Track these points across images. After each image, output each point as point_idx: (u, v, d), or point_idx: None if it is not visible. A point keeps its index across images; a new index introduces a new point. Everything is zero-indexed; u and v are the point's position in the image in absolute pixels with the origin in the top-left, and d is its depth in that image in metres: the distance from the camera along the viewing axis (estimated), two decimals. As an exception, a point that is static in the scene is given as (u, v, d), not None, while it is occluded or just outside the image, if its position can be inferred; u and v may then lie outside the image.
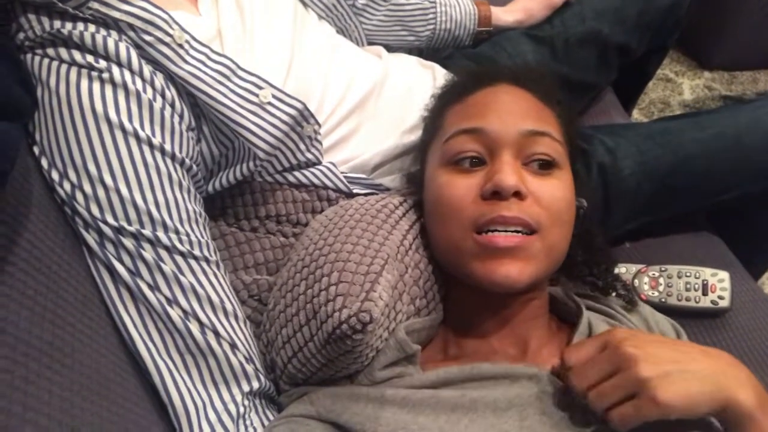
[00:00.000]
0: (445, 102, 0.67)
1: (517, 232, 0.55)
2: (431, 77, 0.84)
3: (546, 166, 0.58)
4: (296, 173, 0.69)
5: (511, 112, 0.59)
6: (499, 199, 0.55)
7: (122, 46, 0.57)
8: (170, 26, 0.60)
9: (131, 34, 0.58)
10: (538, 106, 0.62)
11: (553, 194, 0.57)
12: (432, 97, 0.72)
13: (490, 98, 0.62)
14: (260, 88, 0.63)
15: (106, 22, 0.58)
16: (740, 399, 0.44)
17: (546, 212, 0.56)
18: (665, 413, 0.44)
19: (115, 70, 0.57)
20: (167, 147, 0.58)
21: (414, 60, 0.89)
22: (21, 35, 0.57)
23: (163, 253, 0.57)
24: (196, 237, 0.59)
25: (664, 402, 0.43)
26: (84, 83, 0.56)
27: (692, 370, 0.46)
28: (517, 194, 0.55)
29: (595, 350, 0.50)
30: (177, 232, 0.58)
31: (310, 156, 0.69)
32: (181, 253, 0.58)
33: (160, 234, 0.57)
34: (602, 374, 0.47)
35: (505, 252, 0.54)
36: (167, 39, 0.59)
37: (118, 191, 0.55)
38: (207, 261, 0.60)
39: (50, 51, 0.57)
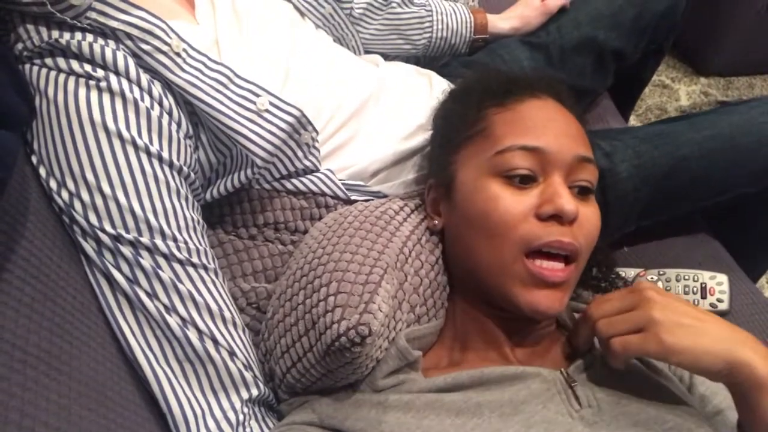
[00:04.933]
0: (482, 100, 0.64)
1: (561, 257, 0.56)
2: (428, 85, 0.85)
3: (586, 191, 0.60)
4: (294, 180, 0.69)
5: (567, 134, 0.60)
6: (558, 222, 0.56)
7: (120, 55, 0.58)
8: (168, 35, 0.60)
9: (129, 43, 0.59)
10: (582, 130, 0.63)
11: (591, 222, 0.59)
12: (459, 90, 0.71)
13: (543, 114, 0.61)
14: (257, 95, 0.64)
15: (104, 32, 0.58)
16: (756, 365, 0.44)
17: (585, 240, 0.57)
18: (665, 356, 0.45)
19: (113, 78, 0.57)
20: (165, 155, 0.58)
21: (411, 68, 0.89)
22: (19, 45, 0.58)
23: (161, 261, 0.57)
24: (194, 245, 0.59)
25: (667, 343, 0.45)
26: (82, 92, 0.56)
27: (707, 329, 0.46)
28: (572, 220, 0.56)
29: (621, 297, 0.51)
30: (175, 240, 0.58)
31: (307, 163, 0.69)
32: (179, 261, 0.57)
33: (158, 242, 0.57)
34: (618, 309, 0.49)
35: (552, 285, 0.56)
36: (165, 48, 0.60)
37: (116, 199, 0.56)
38: (205, 269, 0.60)
39: (48, 61, 0.57)
